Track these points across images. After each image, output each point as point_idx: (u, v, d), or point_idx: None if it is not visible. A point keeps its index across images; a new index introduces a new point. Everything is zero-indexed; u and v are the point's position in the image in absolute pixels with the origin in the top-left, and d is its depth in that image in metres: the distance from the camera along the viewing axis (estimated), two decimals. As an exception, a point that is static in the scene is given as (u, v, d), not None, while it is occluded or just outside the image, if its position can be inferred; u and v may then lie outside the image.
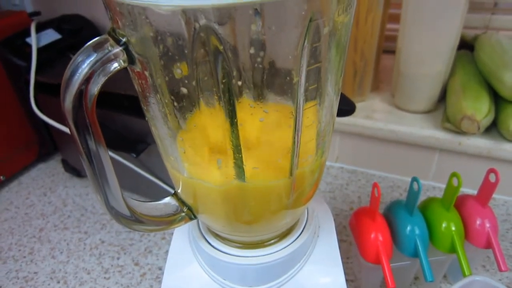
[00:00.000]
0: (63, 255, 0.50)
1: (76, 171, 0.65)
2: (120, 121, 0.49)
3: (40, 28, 0.60)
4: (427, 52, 0.52)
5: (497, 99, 0.52)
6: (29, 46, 0.57)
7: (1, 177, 0.64)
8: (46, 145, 0.69)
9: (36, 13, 0.65)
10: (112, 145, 0.48)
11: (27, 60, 0.56)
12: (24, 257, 0.50)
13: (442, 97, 0.57)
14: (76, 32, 0.64)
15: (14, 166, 0.66)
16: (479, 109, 0.49)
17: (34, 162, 0.70)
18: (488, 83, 0.53)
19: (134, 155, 0.46)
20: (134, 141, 0.48)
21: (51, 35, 0.61)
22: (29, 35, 0.58)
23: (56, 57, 0.60)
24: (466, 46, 0.62)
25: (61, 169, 0.68)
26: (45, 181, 0.66)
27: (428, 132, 0.53)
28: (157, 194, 0.55)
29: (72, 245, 0.52)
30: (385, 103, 0.61)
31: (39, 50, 0.57)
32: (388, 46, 0.66)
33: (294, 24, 0.15)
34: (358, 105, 0.58)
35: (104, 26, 0.69)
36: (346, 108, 0.38)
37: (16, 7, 0.75)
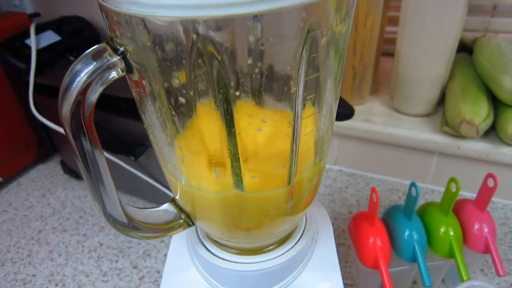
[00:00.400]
0: (61, 257, 0.50)
1: (74, 173, 0.65)
2: (119, 124, 0.49)
3: (39, 30, 0.60)
4: (426, 55, 0.52)
5: (495, 102, 0.52)
6: (29, 47, 0.57)
7: (0, 178, 0.64)
8: (45, 146, 0.69)
9: (36, 15, 0.65)
10: (111, 148, 0.48)
11: (27, 62, 0.56)
12: (23, 259, 0.50)
13: (441, 100, 0.57)
14: (76, 33, 0.64)
15: (13, 167, 0.66)
16: (478, 113, 0.49)
17: (33, 163, 0.70)
18: (487, 86, 0.53)
19: (133, 158, 0.46)
20: (133, 144, 0.48)
21: (50, 37, 0.61)
22: (28, 36, 0.58)
23: (56, 59, 0.59)
24: (465, 49, 0.62)
25: (60, 171, 0.68)
26: (44, 182, 0.66)
27: (427, 136, 0.53)
28: (155, 196, 0.55)
29: (70, 247, 0.52)
30: (384, 106, 0.61)
31: (39, 51, 0.57)
32: (387, 49, 0.66)
33: (292, 35, 0.15)
34: (357, 108, 0.58)
35: (103, 27, 0.69)
36: (345, 112, 0.38)
37: (16, 8, 0.75)
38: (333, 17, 0.17)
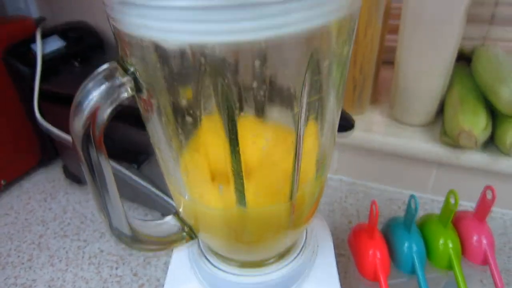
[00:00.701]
0: (62, 263, 0.50)
1: (76, 178, 0.65)
2: (121, 132, 0.49)
3: (45, 35, 0.61)
4: (425, 66, 0.53)
5: (494, 113, 0.52)
6: (34, 52, 0.58)
7: (2, 181, 0.64)
8: (48, 150, 0.69)
9: (42, 19, 0.66)
10: (113, 156, 0.49)
11: (32, 67, 0.57)
12: (23, 263, 0.51)
13: (441, 110, 0.58)
14: (80, 39, 0.65)
15: (16, 171, 0.67)
16: (476, 123, 0.49)
17: (36, 167, 0.70)
18: (485, 96, 0.53)
19: (136, 166, 0.46)
20: (136, 152, 0.48)
21: (55, 42, 0.61)
22: (34, 41, 0.59)
23: (60, 64, 0.60)
24: (464, 58, 0.62)
25: (62, 175, 0.68)
26: (46, 186, 0.66)
27: (426, 146, 0.54)
28: (157, 204, 0.55)
29: (71, 253, 0.52)
30: (384, 115, 0.61)
31: (44, 56, 0.58)
32: (387, 57, 0.66)
33: (295, 60, 0.16)
34: (357, 118, 0.59)
35: (108, 33, 0.70)
36: (345, 124, 0.39)
37: (21, 11, 0.75)
38: (335, 41, 0.17)
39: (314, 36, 0.16)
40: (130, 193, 0.57)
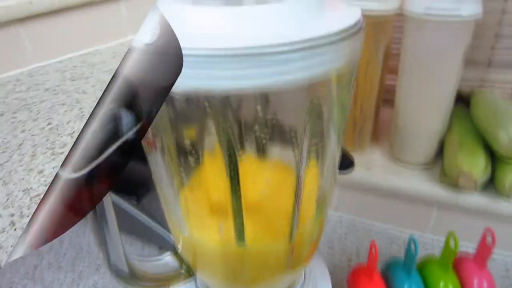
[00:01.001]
0: (55, 296, 0.49)
1: (75, 208, 0.65)
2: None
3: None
4: (424, 106, 0.54)
5: (493, 155, 0.52)
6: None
7: (0, 210, 0.64)
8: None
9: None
10: (113, 189, 0.49)
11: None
12: (15, 296, 0.49)
13: (440, 151, 0.58)
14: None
15: (14, 200, 0.66)
16: (475, 165, 0.49)
17: (35, 196, 0.70)
18: (484, 139, 0.54)
19: (135, 200, 0.46)
20: (136, 185, 0.48)
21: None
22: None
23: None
24: (463, 100, 0.63)
25: (60, 205, 0.68)
26: (44, 216, 0.65)
27: (426, 186, 0.54)
28: (154, 238, 0.54)
29: (65, 286, 0.51)
30: (384, 155, 0.62)
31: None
32: (387, 96, 0.67)
33: (296, 106, 0.17)
34: (357, 157, 0.59)
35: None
36: (345, 163, 0.39)
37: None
38: (335, 89, 0.18)
39: (314, 83, 0.17)
40: (127, 226, 0.56)
